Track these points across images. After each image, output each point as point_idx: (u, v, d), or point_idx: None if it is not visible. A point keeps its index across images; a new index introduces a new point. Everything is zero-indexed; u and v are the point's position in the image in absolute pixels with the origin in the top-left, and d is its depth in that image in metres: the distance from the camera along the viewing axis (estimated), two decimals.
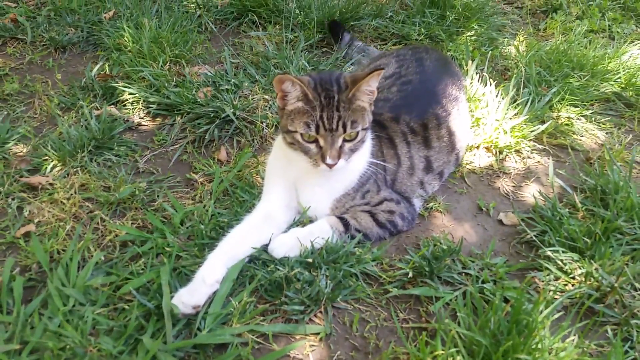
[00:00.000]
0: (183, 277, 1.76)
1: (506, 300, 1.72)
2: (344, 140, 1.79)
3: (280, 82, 1.77)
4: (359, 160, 1.93)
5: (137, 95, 2.54)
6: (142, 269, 1.79)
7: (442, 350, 1.51)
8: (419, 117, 2.15)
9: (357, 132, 1.81)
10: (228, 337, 1.60)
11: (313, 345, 1.66)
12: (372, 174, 1.97)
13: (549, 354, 1.55)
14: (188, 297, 1.64)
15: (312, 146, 1.79)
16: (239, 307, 1.67)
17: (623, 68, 2.87)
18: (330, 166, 1.78)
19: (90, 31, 3.12)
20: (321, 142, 1.78)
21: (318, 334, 1.68)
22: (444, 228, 2.07)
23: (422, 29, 3.20)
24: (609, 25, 3.51)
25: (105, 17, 3.18)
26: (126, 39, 2.85)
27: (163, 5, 3.27)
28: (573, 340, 1.58)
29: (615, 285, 1.76)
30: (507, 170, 2.35)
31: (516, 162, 2.40)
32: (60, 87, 2.69)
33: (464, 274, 1.86)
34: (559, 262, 1.87)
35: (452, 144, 2.21)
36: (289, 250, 1.83)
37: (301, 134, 1.78)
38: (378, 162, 1.96)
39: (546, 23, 3.53)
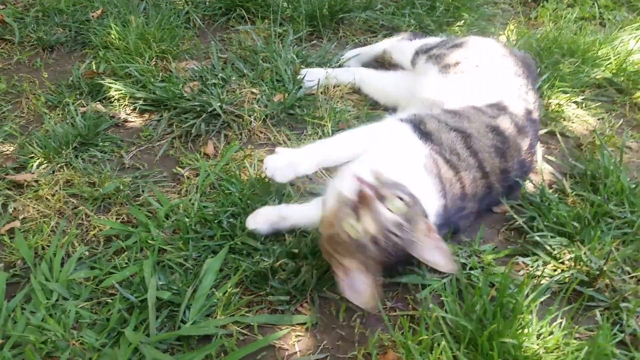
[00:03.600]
0: (167, 270, 1.75)
1: (492, 286, 1.70)
2: None
3: None
4: None
5: (123, 91, 2.53)
6: (126, 263, 1.77)
7: (427, 335, 1.49)
8: None
9: None
10: (212, 329, 1.59)
11: (299, 336, 1.65)
12: None
13: (537, 337, 1.54)
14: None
15: None
16: (223, 299, 1.65)
17: (614, 54, 2.85)
18: None
19: (78, 30, 3.10)
20: None
21: (304, 324, 1.67)
22: None
23: (412, 20, 3.17)
24: (600, 13, 3.48)
25: (93, 16, 3.17)
26: (113, 36, 2.83)
27: (151, 2, 3.26)
28: (560, 323, 1.56)
29: (605, 268, 1.74)
30: None
31: None
32: (48, 85, 2.68)
33: None
34: (548, 247, 1.85)
35: None
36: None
37: None
38: None
39: (537, 11, 3.50)
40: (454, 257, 1.70)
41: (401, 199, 1.53)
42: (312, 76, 2.59)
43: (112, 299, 1.66)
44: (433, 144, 1.83)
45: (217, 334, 1.58)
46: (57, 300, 1.67)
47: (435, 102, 2.07)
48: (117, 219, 1.96)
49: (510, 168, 1.93)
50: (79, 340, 1.55)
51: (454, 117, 1.94)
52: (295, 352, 1.61)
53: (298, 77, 2.60)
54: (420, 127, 1.88)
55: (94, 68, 2.74)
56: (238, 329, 1.62)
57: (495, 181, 1.89)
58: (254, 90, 2.58)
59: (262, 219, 1.85)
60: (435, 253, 1.54)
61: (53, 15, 3.21)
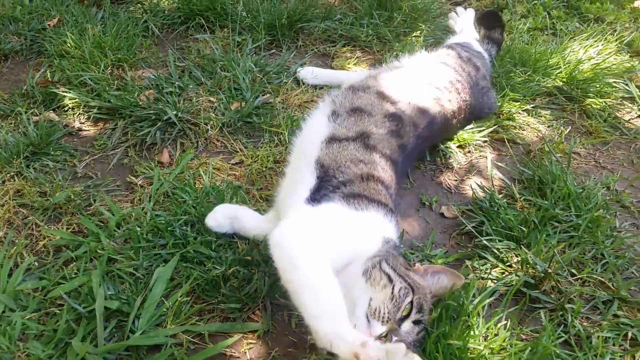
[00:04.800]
0: (117, 279, 1.73)
1: None
2: None
3: None
4: None
5: (77, 100, 2.50)
6: (75, 273, 1.75)
7: None
8: None
9: None
10: (162, 339, 1.58)
11: (251, 343, 1.65)
12: None
13: (484, 339, 1.57)
14: None
15: None
16: (174, 308, 1.65)
17: (564, 63, 2.93)
18: None
19: (33, 39, 3.05)
20: None
21: (256, 331, 1.67)
22: None
23: (370, 30, 3.22)
24: (553, 23, 3.59)
25: (49, 24, 3.12)
26: (69, 44, 2.80)
27: (109, 11, 3.23)
28: (505, 324, 1.59)
29: (550, 271, 1.79)
30: (450, 165, 2.38)
31: (459, 157, 2.42)
32: (0, 94, 2.63)
33: None
34: (496, 251, 1.89)
35: None
36: None
37: None
38: None
39: None
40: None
41: (409, 298, 1.48)
42: (311, 73, 2.80)
43: (60, 310, 1.64)
44: (334, 180, 1.77)
45: (166, 343, 1.58)
46: (3, 311, 1.63)
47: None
48: (67, 228, 1.93)
49: (406, 142, 2.01)
50: (24, 352, 1.52)
51: (356, 120, 1.96)
52: None
53: (297, 74, 2.81)
54: (320, 187, 1.78)
55: (49, 77, 2.70)
56: (189, 338, 1.62)
57: (397, 158, 1.95)
58: (211, 98, 2.58)
59: (221, 216, 1.88)
60: (439, 278, 1.61)
61: (8, 23, 3.16)
